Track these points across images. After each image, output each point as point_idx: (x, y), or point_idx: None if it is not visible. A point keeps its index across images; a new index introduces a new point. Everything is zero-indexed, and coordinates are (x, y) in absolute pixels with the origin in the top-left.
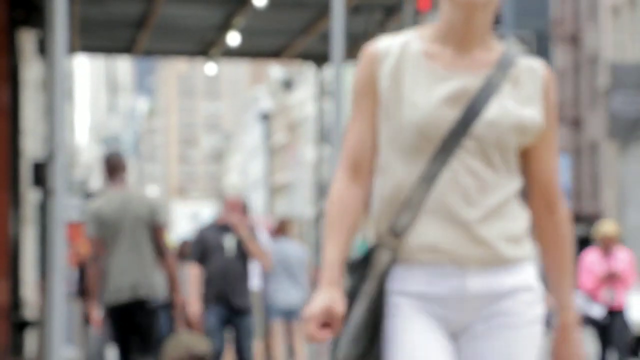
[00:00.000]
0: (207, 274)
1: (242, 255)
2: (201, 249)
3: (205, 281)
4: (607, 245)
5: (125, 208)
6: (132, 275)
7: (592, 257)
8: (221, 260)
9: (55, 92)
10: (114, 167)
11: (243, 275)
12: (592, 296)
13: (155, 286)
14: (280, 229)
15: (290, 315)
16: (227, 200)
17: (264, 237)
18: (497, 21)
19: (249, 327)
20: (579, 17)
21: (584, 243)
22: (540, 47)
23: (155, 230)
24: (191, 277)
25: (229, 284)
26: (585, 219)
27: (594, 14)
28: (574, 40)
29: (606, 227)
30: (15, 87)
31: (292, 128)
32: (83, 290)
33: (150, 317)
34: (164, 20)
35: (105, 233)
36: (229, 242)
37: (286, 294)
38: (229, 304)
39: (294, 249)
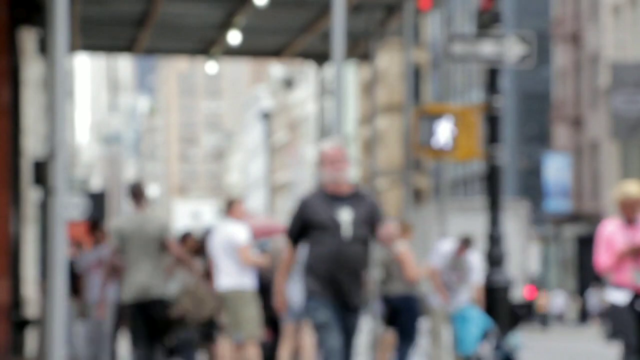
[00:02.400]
0: (313, 260)
1: (362, 235)
2: (303, 226)
3: (310, 270)
4: (630, 212)
5: (141, 228)
6: (145, 279)
7: (611, 228)
8: (336, 241)
9: (56, 91)
10: (137, 194)
11: (364, 264)
12: (614, 277)
13: (163, 288)
14: None
15: (301, 316)
16: (326, 154)
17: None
18: (497, 20)
19: (358, 328)
20: (580, 17)
21: (584, 242)
22: (541, 47)
23: (165, 244)
24: (283, 263)
25: (345, 275)
26: (585, 218)
27: (595, 14)
28: (575, 39)
29: (629, 187)
30: (16, 86)
31: (292, 127)
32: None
33: (160, 312)
34: (164, 19)
35: (125, 246)
36: (345, 216)
37: (299, 296)
38: (343, 301)
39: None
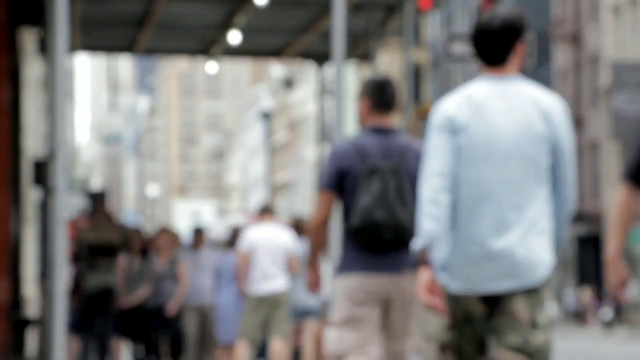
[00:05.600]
0: None
1: None
2: None
3: None
4: None
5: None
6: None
7: None
8: None
9: (56, 91)
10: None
11: None
12: None
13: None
14: (297, 230)
15: (301, 315)
16: None
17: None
18: None
19: None
20: (580, 17)
21: (585, 242)
22: (541, 47)
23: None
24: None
25: None
26: (585, 218)
27: (595, 14)
28: (575, 39)
29: None
30: (16, 86)
31: (292, 127)
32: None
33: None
34: (164, 18)
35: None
36: None
37: (300, 295)
38: None
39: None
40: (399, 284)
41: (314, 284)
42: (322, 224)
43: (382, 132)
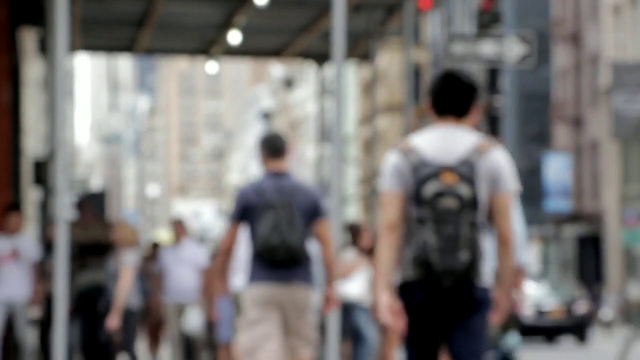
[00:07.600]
0: None
1: None
2: None
3: None
4: None
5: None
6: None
7: None
8: None
9: (56, 91)
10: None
11: None
12: None
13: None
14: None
15: None
16: None
17: None
18: (497, 20)
19: None
20: (580, 16)
21: (584, 242)
22: (541, 47)
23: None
24: None
25: None
26: (585, 218)
27: (595, 13)
28: (575, 39)
29: None
30: (16, 86)
31: (292, 127)
32: None
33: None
34: (165, 18)
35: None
36: None
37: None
38: None
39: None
40: (291, 292)
41: (222, 295)
42: (230, 248)
43: (277, 175)
